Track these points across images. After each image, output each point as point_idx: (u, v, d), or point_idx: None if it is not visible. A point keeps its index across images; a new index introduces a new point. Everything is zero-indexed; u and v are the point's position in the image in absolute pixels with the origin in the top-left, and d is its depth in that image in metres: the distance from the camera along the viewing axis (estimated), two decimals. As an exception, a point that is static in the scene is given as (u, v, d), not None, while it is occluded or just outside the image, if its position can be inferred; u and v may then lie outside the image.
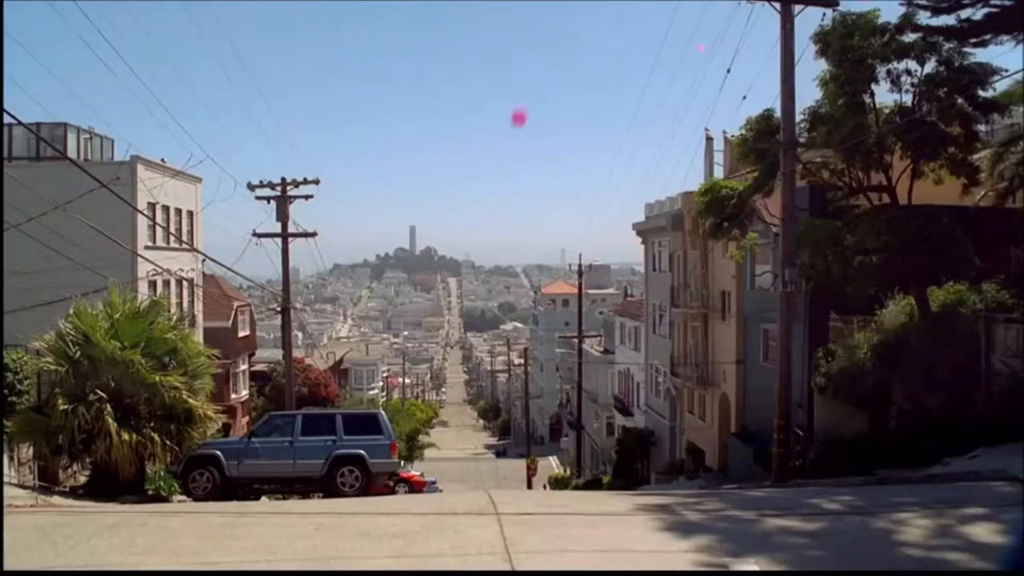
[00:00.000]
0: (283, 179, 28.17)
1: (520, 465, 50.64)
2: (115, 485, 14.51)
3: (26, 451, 15.03)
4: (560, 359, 73.21)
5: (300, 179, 28.33)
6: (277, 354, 37.33)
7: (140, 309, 16.47)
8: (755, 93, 19.64)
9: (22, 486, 14.34)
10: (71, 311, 15.28)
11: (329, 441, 18.30)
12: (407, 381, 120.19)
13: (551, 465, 58.81)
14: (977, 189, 17.62)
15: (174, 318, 17.71)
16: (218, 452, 17.97)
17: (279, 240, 28.19)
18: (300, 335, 48.93)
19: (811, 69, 17.68)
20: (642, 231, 43.40)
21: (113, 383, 14.80)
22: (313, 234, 28.92)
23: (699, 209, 24.65)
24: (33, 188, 19.40)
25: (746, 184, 20.52)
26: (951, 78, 16.69)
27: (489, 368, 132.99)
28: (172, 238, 33.22)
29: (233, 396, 38.99)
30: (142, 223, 29.41)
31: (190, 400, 15.58)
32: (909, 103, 17.24)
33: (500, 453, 75.71)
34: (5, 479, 13.83)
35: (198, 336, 31.38)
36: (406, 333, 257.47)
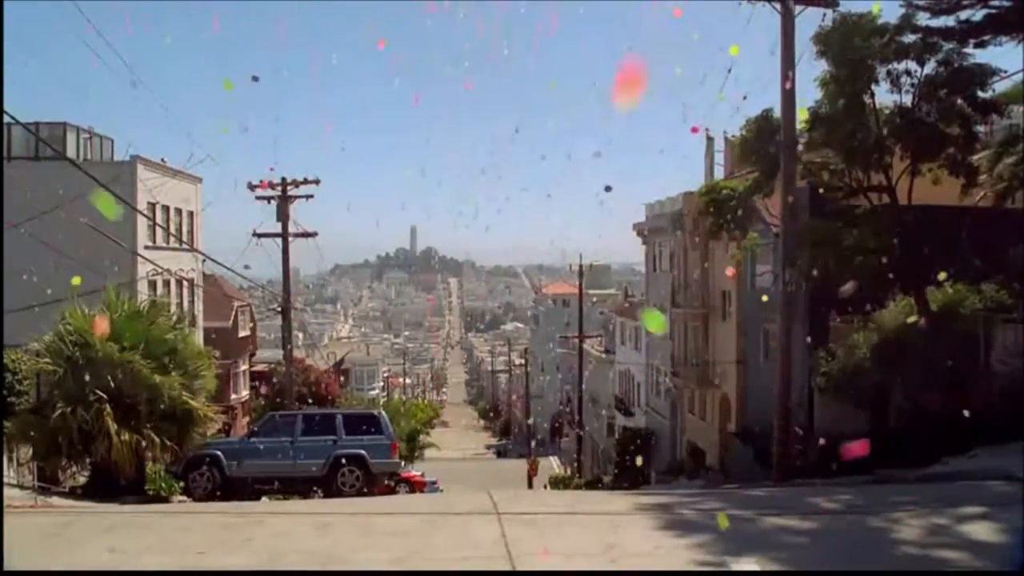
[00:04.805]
0: (283, 179, 28.21)
1: (521, 465, 50.62)
2: (115, 486, 14.52)
3: (25, 452, 15.03)
4: (561, 359, 73.19)
5: (300, 179, 28.38)
6: (277, 354, 37.34)
7: (140, 309, 16.48)
8: (755, 93, 19.68)
9: (21, 487, 14.34)
10: (65, 314, 15.27)
11: (329, 441, 18.31)
12: (408, 381, 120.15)
13: (551, 465, 58.78)
14: (976, 189, 17.61)
15: (174, 318, 17.73)
16: (218, 452, 17.98)
17: (279, 240, 28.21)
18: (300, 335, 48.92)
19: (811, 69, 17.68)
20: (643, 231, 43.38)
21: (112, 384, 14.79)
22: (314, 234, 28.96)
23: (699, 210, 24.65)
24: (33, 188, 19.42)
25: (746, 184, 20.51)
26: (951, 79, 16.69)
27: (490, 368, 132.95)
28: (172, 238, 33.24)
29: (233, 396, 38.99)
30: (142, 223, 29.43)
31: (190, 401, 15.58)
32: (909, 104, 17.25)
33: (501, 453, 75.67)
34: (4, 480, 13.84)
35: (198, 336, 31.41)
36: (407, 333, 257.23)
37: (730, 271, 27.13)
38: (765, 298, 21.12)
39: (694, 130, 23.82)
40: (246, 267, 26.54)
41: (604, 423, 51.90)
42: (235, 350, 39.82)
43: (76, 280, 15.34)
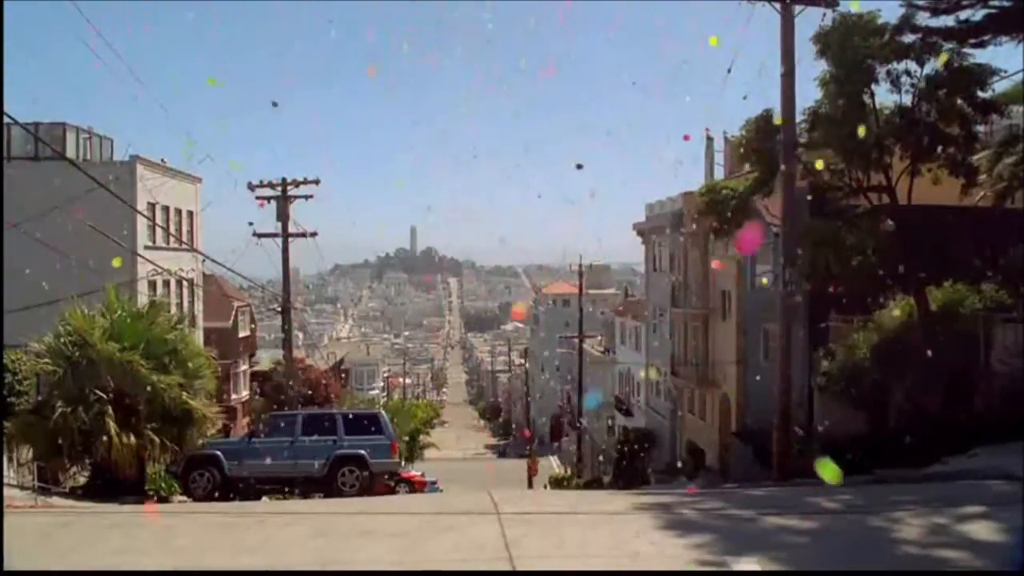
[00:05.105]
0: (283, 179, 28.21)
1: (520, 465, 50.61)
2: (115, 486, 14.52)
3: (26, 452, 15.03)
4: (561, 359, 73.24)
5: (300, 179, 28.39)
6: (277, 354, 37.37)
7: (140, 310, 16.50)
8: (755, 93, 19.66)
9: (21, 487, 14.35)
10: (65, 314, 15.29)
11: (330, 441, 18.31)
12: (408, 381, 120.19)
13: (552, 465, 58.80)
14: (976, 189, 17.62)
15: (174, 319, 17.73)
16: (218, 452, 17.98)
17: (279, 240, 28.22)
18: (300, 335, 48.95)
19: (811, 69, 17.70)
20: (643, 231, 43.42)
21: (113, 384, 14.80)
22: (314, 234, 28.99)
23: (700, 210, 24.64)
24: (33, 188, 19.43)
25: (746, 184, 20.53)
26: (951, 79, 16.70)
27: (490, 368, 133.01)
28: (172, 238, 33.23)
29: (233, 396, 38.97)
30: (142, 223, 29.43)
31: (189, 401, 15.59)
32: (909, 104, 17.26)
33: (501, 453, 75.69)
34: (4, 480, 13.84)
35: (198, 336, 31.41)
36: (407, 333, 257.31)
37: (716, 263, 27.49)
38: (765, 281, 21.17)
39: (686, 138, 23.81)
40: (250, 223, 26.81)
41: (604, 423, 51.93)
42: (235, 350, 39.81)
43: (116, 262, 15.44)
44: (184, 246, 33.23)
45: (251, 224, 27.67)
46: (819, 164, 17.17)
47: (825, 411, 20.06)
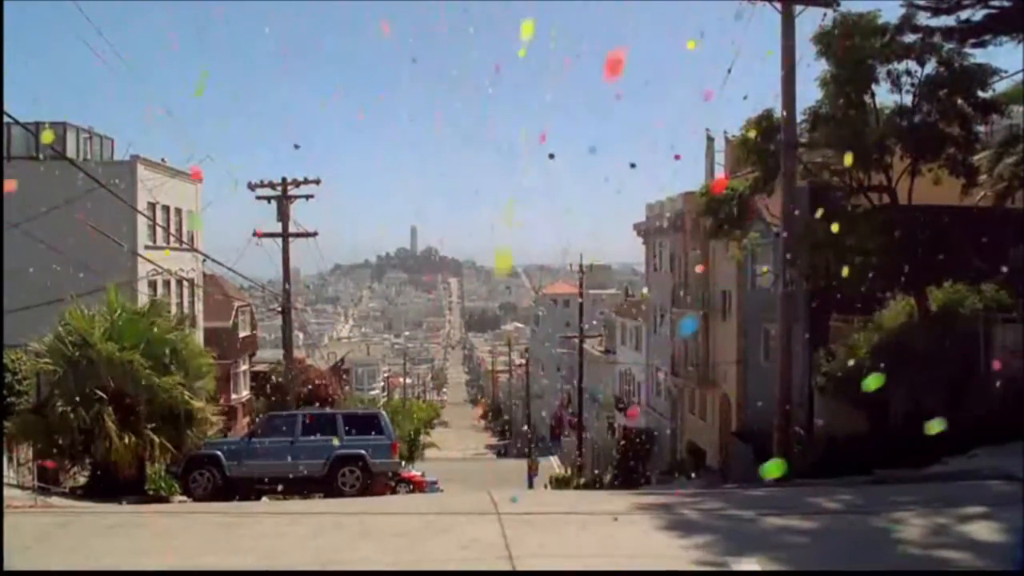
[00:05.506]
0: (284, 179, 28.17)
1: (521, 465, 50.61)
2: (115, 485, 14.52)
3: (25, 452, 15.03)
4: (560, 359, 73.23)
5: (301, 179, 28.35)
6: (277, 354, 37.34)
7: (141, 310, 16.51)
8: (756, 93, 19.65)
9: (21, 487, 14.34)
10: (65, 314, 15.30)
11: (330, 441, 18.30)
12: (408, 381, 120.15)
13: (552, 465, 58.77)
14: (977, 189, 17.62)
15: (174, 319, 17.73)
16: (218, 452, 17.97)
17: (279, 240, 28.19)
18: (301, 335, 48.94)
19: (812, 70, 17.69)
20: (643, 231, 43.41)
21: (112, 384, 14.80)
22: (314, 234, 28.93)
23: (700, 210, 24.63)
24: (33, 188, 19.43)
25: (746, 184, 20.52)
26: (951, 79, 16.70)
27: (490, 368, 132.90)
28: (172, 238, 33.20)
29: (233, 396, 38.95)
30: (142, 223, 29.40)
31: (190, 401, 15.59)
32: (909, 104, 17.27)
33: (501, 453, 75.67)
34: (4, 480, 13.84)
35: (199, 336, 31.39)
36: (407, 333, 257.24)
37: (700, 268, 27.82)
38: (765, 270, 21.13)
39: (677, 157, 23.44)
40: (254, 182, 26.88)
41: (604, 423, 51.91)
42: (235, 350, 39.79)
43: (166, 252, 15.44)
44: (184, 246, 33.21)
45: (257, 235, 27.72)
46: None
47: (825, 411, 20.05)
